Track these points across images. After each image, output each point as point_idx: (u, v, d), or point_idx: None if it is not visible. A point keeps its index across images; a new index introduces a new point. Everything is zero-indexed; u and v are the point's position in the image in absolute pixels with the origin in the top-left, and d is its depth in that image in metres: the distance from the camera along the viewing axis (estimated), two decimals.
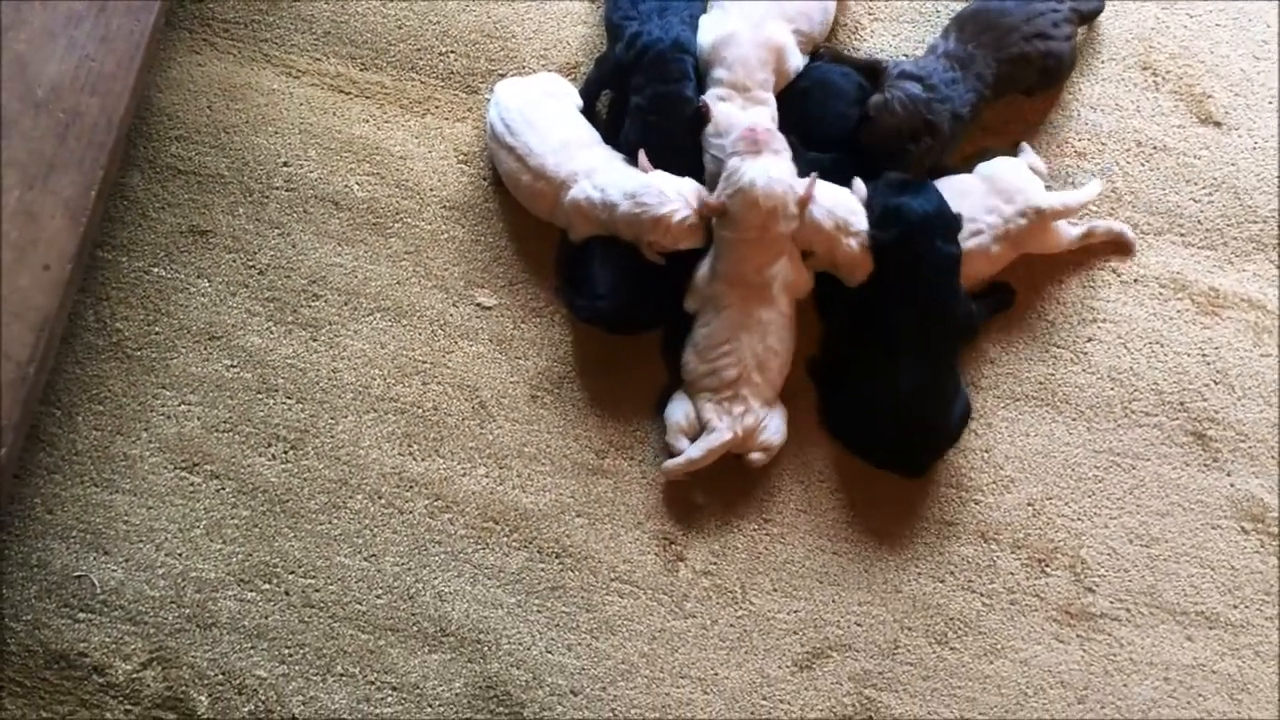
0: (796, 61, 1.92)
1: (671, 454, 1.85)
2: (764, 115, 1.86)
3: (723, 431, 1.81)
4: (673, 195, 1.80)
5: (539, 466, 1.89)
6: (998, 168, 1.90)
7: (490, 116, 1.91)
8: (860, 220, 1.81)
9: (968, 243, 1.82)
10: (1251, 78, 2.02)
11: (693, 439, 1.83)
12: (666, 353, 1.90)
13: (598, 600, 1.85)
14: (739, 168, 1.77)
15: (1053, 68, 1.94)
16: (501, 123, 1.89)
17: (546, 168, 1.86)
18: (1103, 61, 2.03)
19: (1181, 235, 1.97)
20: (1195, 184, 1.99)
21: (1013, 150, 1.97)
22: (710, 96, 1.87)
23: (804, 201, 1.79)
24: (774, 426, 1.84)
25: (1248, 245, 1.97)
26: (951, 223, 1.79)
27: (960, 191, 1.85)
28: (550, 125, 1.88)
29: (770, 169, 1.77)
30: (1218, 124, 2.01)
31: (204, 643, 1.81)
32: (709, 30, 1.91)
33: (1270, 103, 2.02)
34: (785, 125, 1.88)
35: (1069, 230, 1.91)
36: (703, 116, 1.86)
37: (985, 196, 1.86)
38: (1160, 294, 1.95)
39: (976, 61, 1.89)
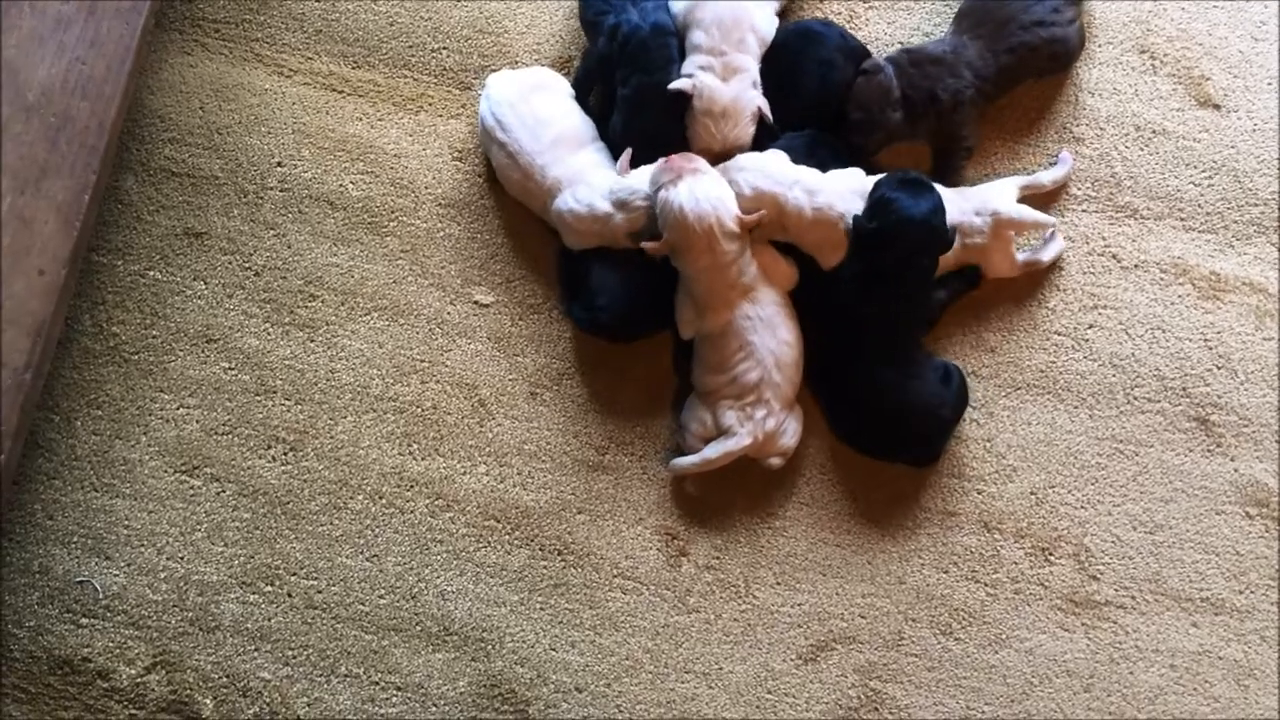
0: (767, 22, 1.88)
1: (683, 452, 1.84)
2: (745, 83, 1.83)
3: (743, 438, 1.79)
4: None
5: (539, 464, 1.88)
6: (984, 186, 1.89)
7: (482, 111, 1.90)
8: (802, 182, 1.78)
9: None
10: (1250, 59, 2.01)
11: (709, 442, 1.82)
12: (677, 361, 1.89)
13: (601, 597, 1.84)
14: (665, 198, 1.75)
15: (1060, 53, 1.92)
16: (493, 118, 1.87)
17: (534, 167, 1.85)
18: (1100, 45, 2.01)
19: (1182, 219, 1.96)
20: (1195, 167, 1.98)
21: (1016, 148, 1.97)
22: (690, 66, 1.84)
23: (746, 225, 1.76)
24: (791, 430, 1.83)
25: (1249, 228, 1.96)
26: (938, 234, 1.75)
27: None
28: (541, 122, 1.86)
29: (694, 189, 1.73)
30: (1217, 106, 1.99)
31: (207, 646, 1.81)
32: None
33: (1269, 84, 2.00)
34: (765, 80, 1.86)
35: (1015, 256, 1.88)
36: (682, 97, 1.83)
37: (950, 194, 1.83)
38: (1161, 279, 1.94)
39: (968, 51, 1.87)
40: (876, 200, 1.77)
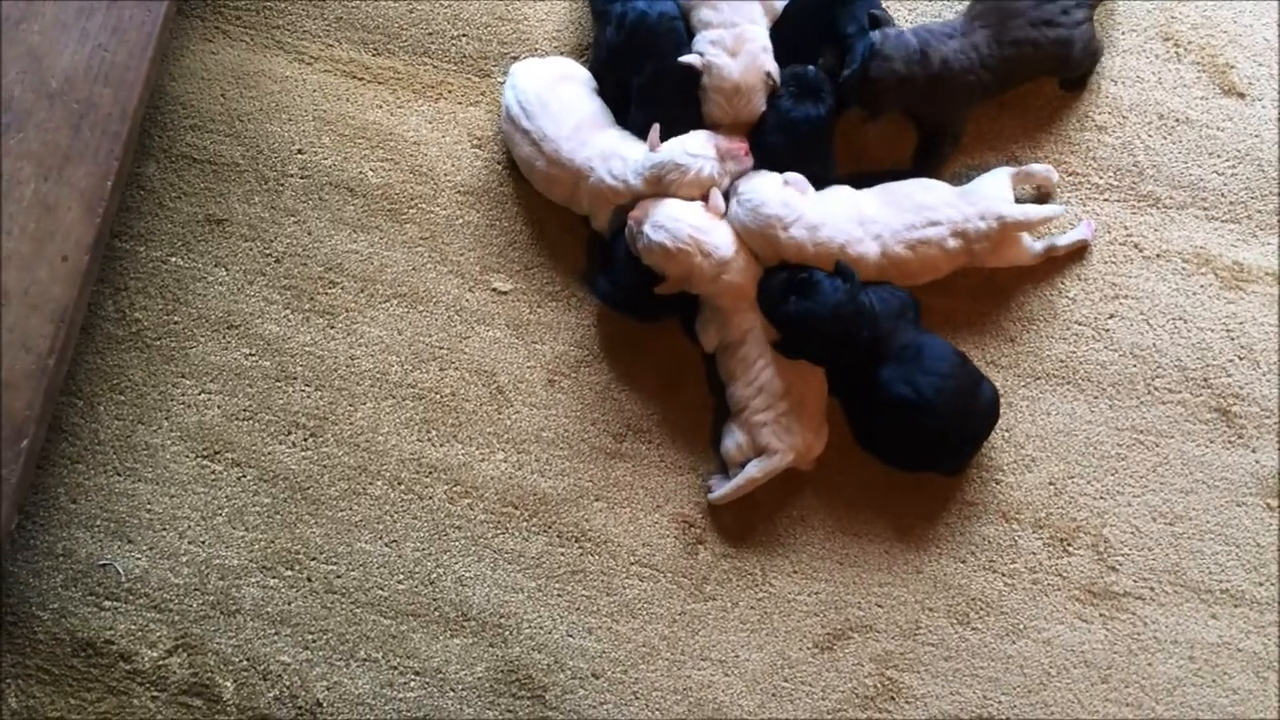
0: None
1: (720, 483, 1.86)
2: (754, 53, 1.82)
3: (785, 454, 1.80)
4: (687, 160, 1.79)
5: (557, 451, 1.89)
6: (979, 182, 1.88)
7: (506, 99, 1.90)
8: (804, 219, 1.79)
9: (925, 231, 1.81)
10: (1275, 47, 1.98)
11: (744, 465, 1.82)
12: (689, 331, 1.89)
13: (618, 584, 1.85)
14: (644, 246, 1.77)
15: (1064, 55, 1.88)
16: (518, 106, 1.87)
17: (561, 153, 1.85)
18: (1123, 33, 2.00)
19: (1204, 209, 1.95)
20: (1218, 156, 1.96)
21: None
22: (701, 42, 1.84)
23: (716, 211, 1.79)
24: (824, 439, 1.83)
25: (1272, 218, 1.94)
26: (847, 323, 1.75)
27: (926, 188, 1.84)
28: (565, 110, 1.86)
29: (657, 221, 1.77)
30: (1241, 95, 1.98)
31: (228, 629, 1.83)
32: None
33: None
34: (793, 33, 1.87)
35: (1032, 245, 1.88)
36: (693, 74, 1.83)
37: (952, 197, 1.84)
38: (1183, 269, 1.93)
39: (975, 35, 1.86)
40: (775, 315, 1.78)
